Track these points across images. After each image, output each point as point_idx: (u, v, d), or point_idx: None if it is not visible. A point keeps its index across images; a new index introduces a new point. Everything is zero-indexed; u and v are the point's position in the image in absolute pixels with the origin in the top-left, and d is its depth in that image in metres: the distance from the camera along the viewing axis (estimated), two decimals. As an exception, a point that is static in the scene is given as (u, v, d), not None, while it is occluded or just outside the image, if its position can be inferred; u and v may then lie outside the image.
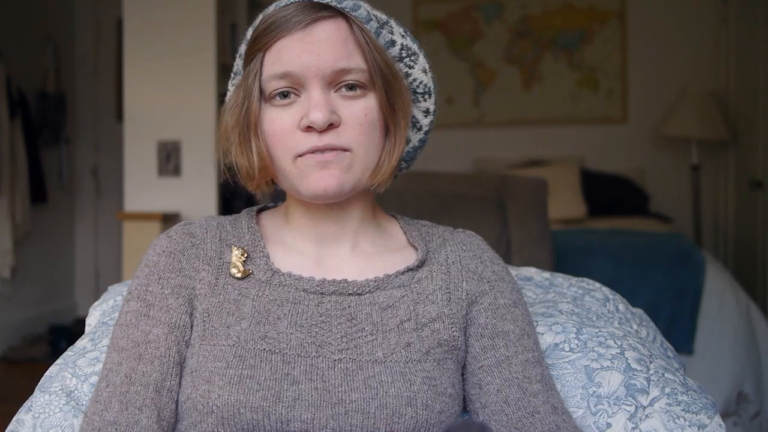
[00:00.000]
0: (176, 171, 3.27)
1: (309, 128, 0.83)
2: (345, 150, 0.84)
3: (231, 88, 0.94)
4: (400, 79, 0.89)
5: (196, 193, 3.27)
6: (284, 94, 0.85)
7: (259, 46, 0.86)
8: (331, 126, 0.83)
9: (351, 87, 0.85)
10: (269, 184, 0.92)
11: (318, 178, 0.84)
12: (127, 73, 3.31)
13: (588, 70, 4.68)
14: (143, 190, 3.30)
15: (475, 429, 0.43)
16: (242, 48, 0.91)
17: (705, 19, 4.46)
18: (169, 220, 3.17)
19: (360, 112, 0.85)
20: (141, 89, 3.29)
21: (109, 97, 4.95)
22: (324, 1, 0.85)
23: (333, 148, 0.84)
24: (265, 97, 0.86)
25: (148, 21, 3.28)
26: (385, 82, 0.86)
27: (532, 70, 4.76)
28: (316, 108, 0.82)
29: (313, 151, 0.84)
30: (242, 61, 0.90)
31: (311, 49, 0.83)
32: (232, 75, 0.94)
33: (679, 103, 4.21)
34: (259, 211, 0.99)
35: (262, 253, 0.90)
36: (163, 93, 3.28)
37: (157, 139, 3.29)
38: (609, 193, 4.16)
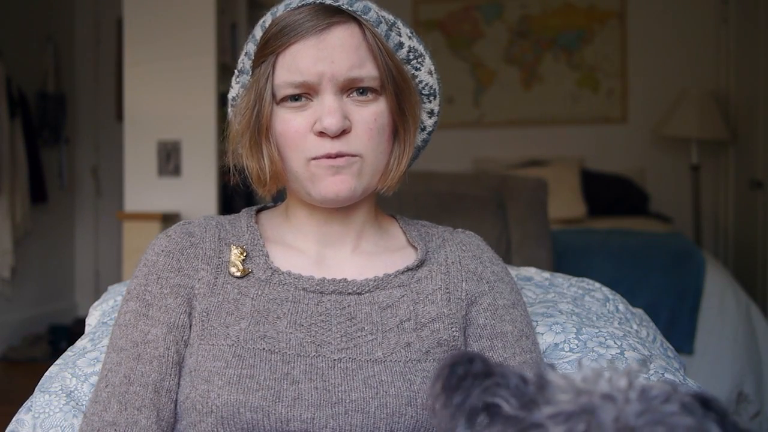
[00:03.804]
0: (176, 171, 3.27)
1: (322, 133, 0.84)
2: (355, 156, 0.85)
3: (236, 86, 0.93)
4: (409, 83, 0.89)
5: (196, 193, 3.26)
6: (295, 97, 0.85)
7: (271, 50, 0.86)
8: (343, 132, 0.84)
9: (362, 92, 0.85)
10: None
11: (330, 183, 0.85)
12: (127, 73, 3.31)
13: (588, 70, 4.68)
14: (143, 190, 3.30)
15: (464, 358, 0.48)
16: (250, 47, 0.90)
17: (705, 19, 4.46)
18: (169, 220, 3.16)
19: (370, 117, 0.85)
20: (141, 89, 3.29)
21: (109, 97, 4.95)
22: (336, 4, 0.85)
23: (344, 155, 0.84)
24: (276, 100, 0.86)
25: (148, 21, 3.27)
26: (395, 86, 0.87)
27: (532, 70, 4.76)
28: (330, 114, 0.83)
29: (326, 157, 0.84)
30: (250, 61, 0.90)
31: (325, 56, 0.83)
32: (237, 72, 0.93)
33: (679, 103, 4.21)
34: (259, 210, 0.99)
35: (261, 252, 0.90)
36: (163, 93, 3.27)
37: (157, 139, 3.28)
38: (609, 193, 4.16)
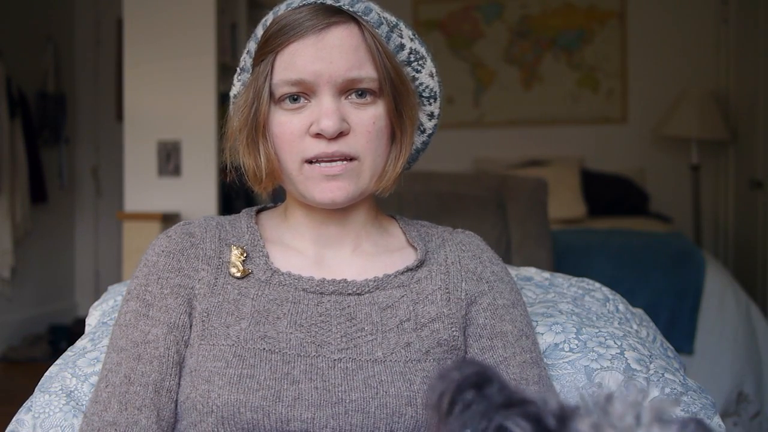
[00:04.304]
0: (176, 171, 3.27)
1: (318, 135, 0.84)
2: (353, 159, 0.85)
3: (237, 83, 0.94)
4: (408, 86, 0.89)
5: (196, 193, 3.26)
6: (294, 98, 0.85)
7: (271, 48, 0.86)
8: (340, 134, 0.84)
9: (361, 94, 0.85)
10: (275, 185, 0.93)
11: (325, 189, 0.85)
12: (127, 73, 3.31)
13: (588, 70, 4.68)
14: (143, 190, 3.30)
15: (471, 369, 0.45)
16: (251, 45, 0.90)
17: (705, 19, 4.46)
18: (169, 220, 3.17)
19: (369, 119, 0.85)
20: (141, 89, 3.29)
21: (109, 97, 4.95)
22: (337, 5, 0.85)
23: (341, 156, 0.84)
24: (274, 99, 0.86)
25: (148, 21, 3.28)
26: (393, 89, 0.86)
27: (532, 70, 4.76)
28: (327, 116, 0.83)
29: (322, 158, 0.84)
30: (251, 59, 0.90)
31: (324, 56, 0.83)
32: (239, 70, 0.93)
33: (679, 103, 4.21)
34: (259, 211, 0.99)
35: (261, 253, 0.90)
36: (163, 93, 3.28)
37: (157, 139, 3.29)
38: (609, 193, 4.16)
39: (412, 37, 0.91)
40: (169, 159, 3.28)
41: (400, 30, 0.90)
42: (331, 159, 0.84)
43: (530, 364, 0.88)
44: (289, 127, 0.85)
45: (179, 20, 3.25)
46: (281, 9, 0.88)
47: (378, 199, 0.97)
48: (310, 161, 0.85)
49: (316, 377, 0.81)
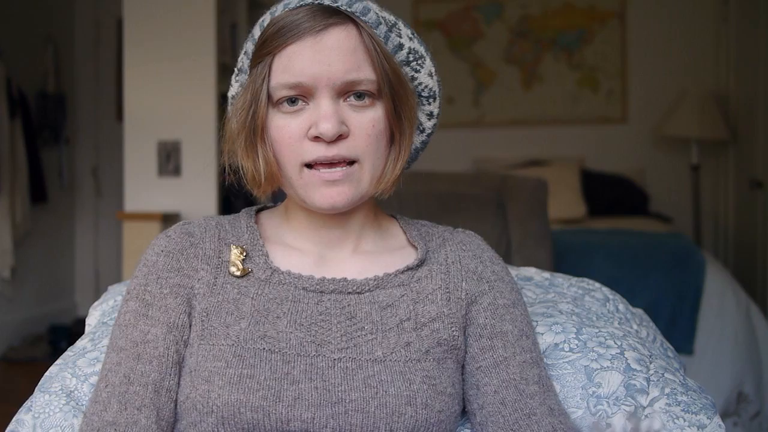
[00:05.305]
0: (176, 171, 3.27)
1: (317, 138, 0.83)
2: (352, 162, 0.85)
3: (235, 84, 0.93)
4: (407, 87, 0.88)
5: (196, 193, 3.26)
6: (292, 101, 0.85)
7: (268, 50, 0.85)
8: (339, 137, 0.83)
9: (359, 96, 0.85)
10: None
11: (326, 194, 0.84)
12: (127, 73, 3.31)
13: (588, 70, 4.68)
14: (143, 190, 3.30)
15: None
16: (249, 46, 0.90)
17: (705, 19, 4.46)
18: (169, 220, 3.17)
19: (368, 122, 0.85)
20: (141, 89, 3.29)
21: (109, 97, 4.95)
22: (334, 5, 0.84)
23: (341, 160, 0.84)
24: (272, 102, 0.86)
25: (148, 21, 3.28)
26: (392, 90, 0.86)
27: (532, 70, 4.76)
28: (326, 119, 0.82)
29: (321, 162, 0.84)
30: (249, 60, 0.89)
31: (321, 59, 0.82)
32: (236, 71, 0.93)
33: (679, 103, 4.21)
34: (259, 210, 0.99)
35: (261, 252, 0.90)
36: (163, 93, 3.28)
37: (157, 139, 3.29)
38: (609, 193, 4.16)
39: (410, 36, 0.90)
40: (169, 159, 3.28)
41: (398, 29, 0.89)
42: (330, 163, 0.84)
43: (530, 364, 0.89)
44: (288, 131, 0.85)
45: (179, 20, 3.25)
46: (278, 10, 0.87)
47: (378, 199, 0.97)
48: (309, 165, 0.85)
49: (316, 377, 0.81)
